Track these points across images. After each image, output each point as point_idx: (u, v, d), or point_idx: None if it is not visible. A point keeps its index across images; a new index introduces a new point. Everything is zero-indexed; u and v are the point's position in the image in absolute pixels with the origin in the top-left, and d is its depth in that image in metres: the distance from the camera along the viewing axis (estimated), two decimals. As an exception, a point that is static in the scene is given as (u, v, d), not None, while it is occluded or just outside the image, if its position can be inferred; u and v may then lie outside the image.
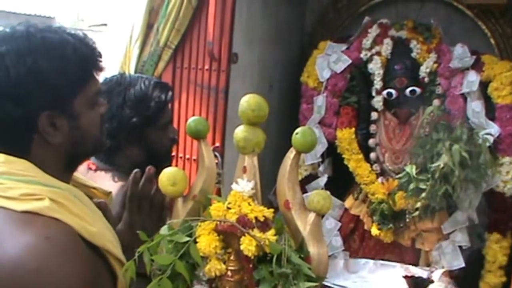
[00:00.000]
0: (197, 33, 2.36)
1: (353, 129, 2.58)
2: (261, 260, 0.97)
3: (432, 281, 2.19)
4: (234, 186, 1.04)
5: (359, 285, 2.28)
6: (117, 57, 2.41)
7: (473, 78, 2.36)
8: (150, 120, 1.64)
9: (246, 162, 1.07)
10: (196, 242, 0.97)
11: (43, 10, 7.70)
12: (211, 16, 2.29)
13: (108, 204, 1.18)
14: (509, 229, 2.38)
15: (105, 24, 3.48)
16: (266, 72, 2.72)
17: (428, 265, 2.42)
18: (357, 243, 2.65)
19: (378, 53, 2.54)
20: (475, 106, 2.35)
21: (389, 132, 2.58)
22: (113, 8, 2.68)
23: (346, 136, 2.56)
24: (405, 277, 2.24)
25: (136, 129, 1.62)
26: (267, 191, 2.11)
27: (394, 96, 2.51)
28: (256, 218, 0.98)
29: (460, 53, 2.40)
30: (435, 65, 2.44)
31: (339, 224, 2.63)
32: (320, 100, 2.60)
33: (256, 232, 0.96)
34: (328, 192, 1.04)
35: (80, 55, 1.00)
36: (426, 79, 2.46)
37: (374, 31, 2.57)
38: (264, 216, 0.99)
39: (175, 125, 2.10)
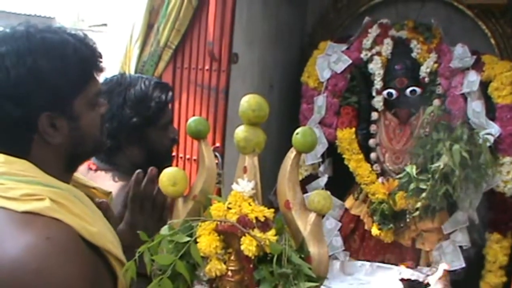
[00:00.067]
0: (198, 33, 2.36)
1: (354, 129, 2.58)
2: (261, 260, 0.97)
3: (428, 285, 2.18)
4: (234, 186, 1.04)
5: (355, 287, 2.27)
6: (117, 57, 2.41)
7: (473, 78, 2.36)
8: (150, 120, 1.64)
9: (246, 162, 1.07)
10: (196, 242, 0.97)
11: (43, 10, 7.72)
12: (211, 16, 2.29)
13: (109, 204, 1.17)
14: (509, 229, 2.38)
15: (105, 24, 3.47)
16: (267, 72, 2.72)
17: (429, 265, 2.42)
18: (358, 243, 2.65)
19: (379, 53, 2.54)
20: (476, 106, 2.35)
21: (390, 132, 2.58)
22: (113, 8, 2.68)
23: (346, 136, 2.56)
24: (402, 280, 2.24)
25: (136, 129, 1.62)
26: (267, 191, 2.11)
27: (394, 96, 2.51)
28: (256, 218, 0.98)
29: (461, 53, 2.41)
30: (436, 65, 2.44)
31: (340, 224, 2.63)
32: (321, 100, 2.60)
33: (256, 232, 0.96)
34: (329, 192, 1.04)
35: (80, 55, 1.00)
36: (427, 79, 2.47)
37: (374, 31, 2.57)
38: (264, 216, 0.99)
39: (175, 125, 2.10)
